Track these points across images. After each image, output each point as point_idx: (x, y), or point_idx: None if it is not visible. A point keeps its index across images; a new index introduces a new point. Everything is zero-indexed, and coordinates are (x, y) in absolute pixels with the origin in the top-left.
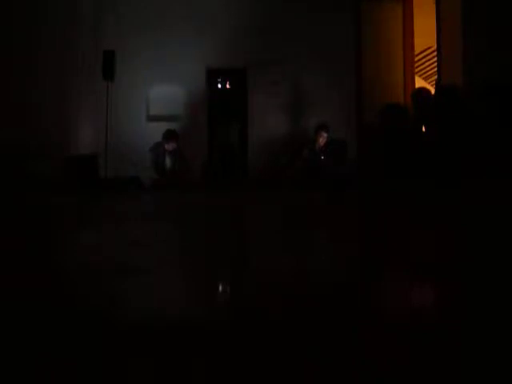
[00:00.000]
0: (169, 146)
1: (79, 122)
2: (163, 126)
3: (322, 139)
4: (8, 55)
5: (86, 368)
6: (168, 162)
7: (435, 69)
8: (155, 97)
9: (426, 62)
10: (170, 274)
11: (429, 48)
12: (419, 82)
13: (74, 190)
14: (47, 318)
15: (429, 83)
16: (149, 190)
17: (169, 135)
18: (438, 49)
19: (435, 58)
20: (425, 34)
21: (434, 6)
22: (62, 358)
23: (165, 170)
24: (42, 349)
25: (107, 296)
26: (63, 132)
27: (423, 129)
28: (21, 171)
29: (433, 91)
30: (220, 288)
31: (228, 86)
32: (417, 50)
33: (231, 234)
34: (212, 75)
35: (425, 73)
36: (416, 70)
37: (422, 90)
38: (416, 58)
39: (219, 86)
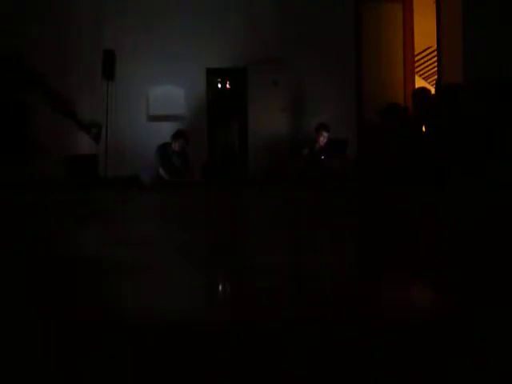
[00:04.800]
0: (176, 146)
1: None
2: (163, 126)
3: (323, 139)
4: (8, 55)
5: (85, 368)
6: (175, 161)
7: (435, 69)
8: (155, 97)
9: (426, 61)
10: (169, 274)
11: (429, 48)
12: (419, 82)
13: (74, 190)
14: (46, 318)
15: (429, 83)
16: (149, 189)
17: (178, 135)
18: (438, 49)
19: (435, 58)
20: (425, 34)
21: (434, 5)
22: (62, 358)
23: (172, 169)
24: (42, 349)
25: (107, 296)
26: (63, 132)
27: (423, 129)
28: (21, 171)
29: (433, 91)
30: (220, 288)
31: (228, 86)
32: (417, 50)
33: (231, 233)
34: (212, 75)
35: (425, 73)
36: (416, 70)
37: (422, 89)
38: (416, 58)
39: (219, 85)
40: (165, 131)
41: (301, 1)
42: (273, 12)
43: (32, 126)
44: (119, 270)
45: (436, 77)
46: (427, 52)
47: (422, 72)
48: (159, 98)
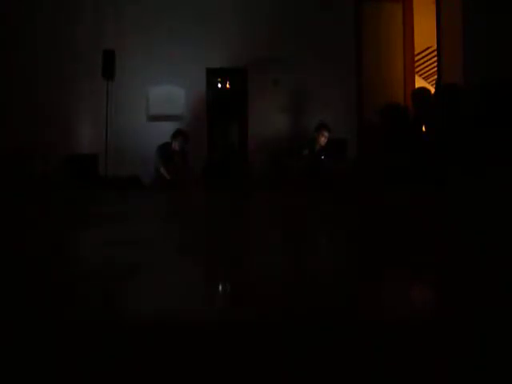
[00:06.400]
0: (176, 146)
1: (79, 121)
2: (163, 126)
3: (324, 139)
4: (8, 56)
5: (85, 368)
6: (175, 161)
7: (435, 69)
8: (155, 97)
9: (426, 61)
10: (169, 274)
11: (429, 48)
12: (419, 82)
13: (74, 190)
14: (47, 318)
15: (429, 83)
16: (149, 189)
17: (178, 135)
18: (438, 49)
19: (435, 58)
20: (425, 34)
21: (434, 5)
22: (62, 358)
23: (173, 169)
24: (44, 349)
25: (107, 296)
26: (63, 132)
27: (423, 129)
28: (21, 171)
29: (433, 91)
30: (220, 288)
31: (228, 86)
32: (417, 49)
33: (231, 233)
34: (212, 75)
35: (425, 73)
36: (416, 70)
37: (422, 89)
38: (416, 58)
39: (219, 85)
40: (165, 131)
41: (301, 1)
42: (273, 12)
43: None
44: (119, 270)
45: (436, 77)
46: (427, 52)
47: (421, 72)
48: (159, 98)
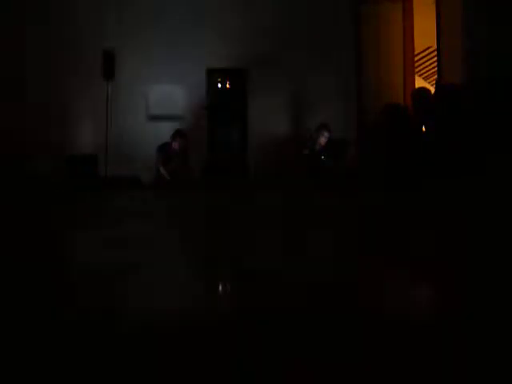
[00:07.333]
0: (175, 146)
1: (79, 121)
2: (163, 126)
3: (324, 139)
4: (8, 55)
5: (86, 368)
6: (175, 161)
7: (435, 69)
8: (155, 96)
9: (426, 61)
10: (169, 274)
11: (429, 48)
12: (419, 82)
13: (74, 190)
14: (48, 318)
15: (429, 83)
16: (149, 189)
17: (177, 135)
18: (438, 49)
19: (435, 58)
20: (425, 34)
21: (434, 6)
22: (63, 358)
23: (173, 169)
24: (45, 349)
25: (107, 296)
26: (63, 132)
27: (423, 129)
28: (21, 171)
29: (433, 91)
30: (220, 288)
31: (228, 86)
32: (417, 49)
33: (230, 233)
34: (212, 75)
35: (425, 73)
36: (416, 70)
37: (422, 90)
38: (416, 58)
39: (219, 85)
40: (165, 131)
41: (301, 1)
42: (273, 12)
43: None
44: (119, 270)
45: (436, 77)
46: (427, 52)
47: (422, 72)
48: (159, 98)
